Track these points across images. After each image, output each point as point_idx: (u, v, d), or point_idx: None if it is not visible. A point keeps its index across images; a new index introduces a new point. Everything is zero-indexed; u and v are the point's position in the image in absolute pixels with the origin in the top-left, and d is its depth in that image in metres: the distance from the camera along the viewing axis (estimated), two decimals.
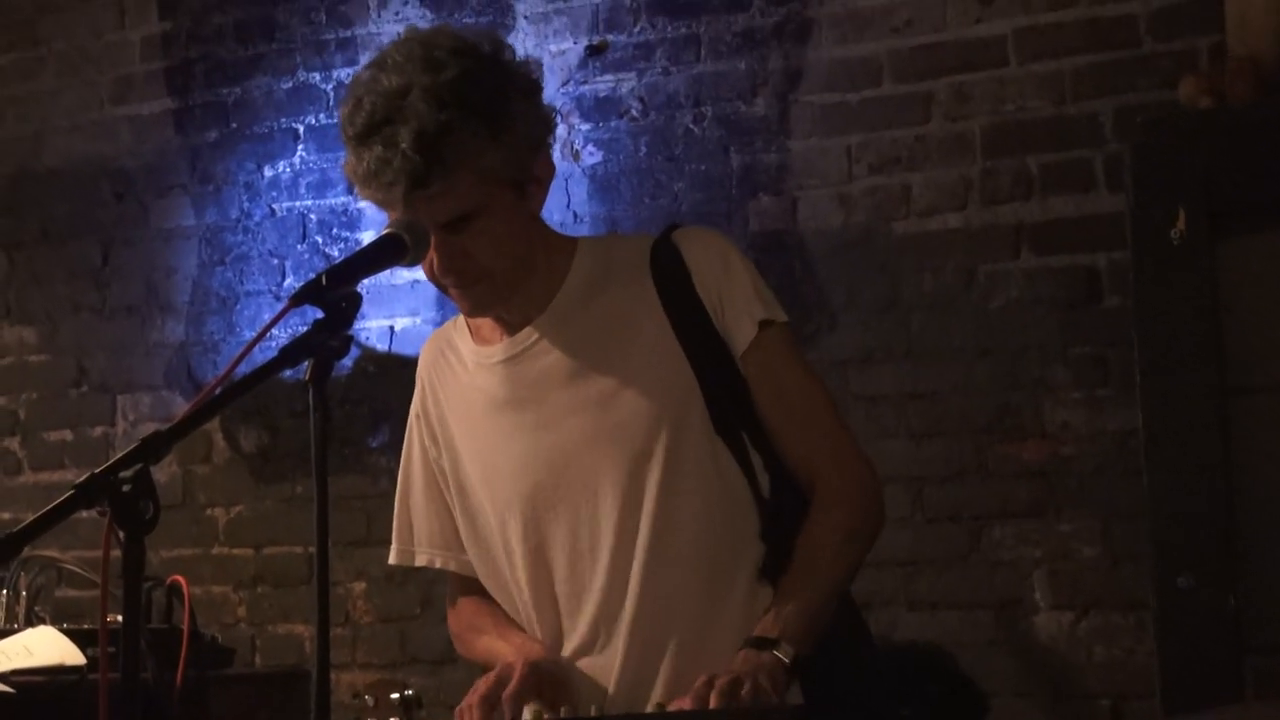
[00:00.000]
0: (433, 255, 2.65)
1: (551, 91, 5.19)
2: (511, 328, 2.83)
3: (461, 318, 2.95)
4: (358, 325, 2.57)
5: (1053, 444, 4.59)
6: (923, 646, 4.42)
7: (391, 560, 3.02)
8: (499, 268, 2.70)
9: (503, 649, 2.81)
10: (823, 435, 2.80)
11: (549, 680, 2.68)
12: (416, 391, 3.00)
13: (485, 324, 2.88)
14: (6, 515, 5.84)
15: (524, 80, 2.75)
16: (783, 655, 2.59)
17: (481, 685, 2.65)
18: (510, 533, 2.81)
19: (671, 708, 2.54)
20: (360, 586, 5.35)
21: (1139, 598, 4.27)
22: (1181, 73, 4.17)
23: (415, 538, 2.98)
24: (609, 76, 5.23)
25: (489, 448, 2.84)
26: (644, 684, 2.72)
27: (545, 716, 2.58)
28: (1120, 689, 4.45)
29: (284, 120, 5.67)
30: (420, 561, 2.99)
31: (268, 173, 5.67)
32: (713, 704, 2.45)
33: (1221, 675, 3.40)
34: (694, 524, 2.72)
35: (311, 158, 5.60)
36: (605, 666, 2.75)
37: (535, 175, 2.75)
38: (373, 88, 2.64)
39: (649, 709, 2.66)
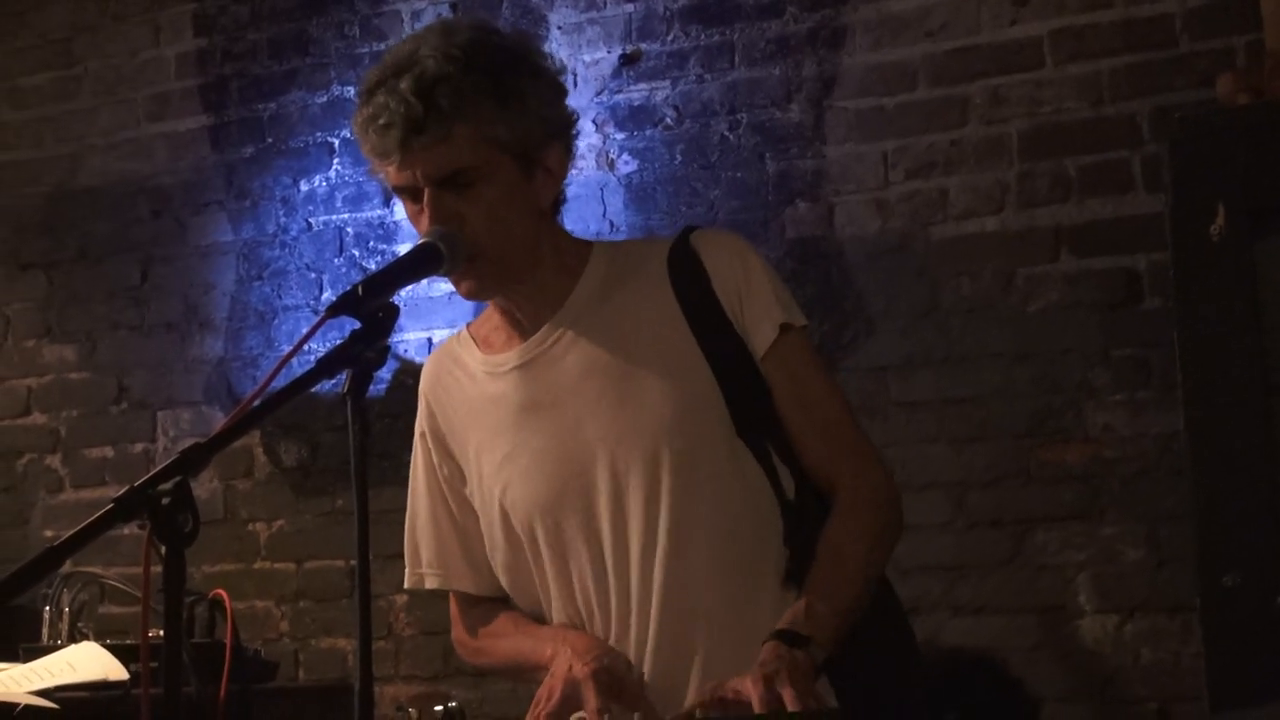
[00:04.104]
0: (425, 211, 2.64)
1: (586, 101, 5.19)
2: (525, 332, 2.81)
3: (465, 332, 2.94)
4: (396, 338, 2.57)
5: (1095, 447, 4.57)
6: (969, 651, 4.40)
7: (406, 584, 3.01)
8: (494, 242, 2.67)
9: (534, 647, 2.79)
10: (842, 439, 2.78)
11: (616, 681, 2.65)
12: (420, 411, 2.97)
13: (498, 332, 2.87)
14: (49, 532, 5.86)
15: (544, 70, 2.75)
16: (814, 656, 2.57)
17: (544, 699, 2.63)
18: (536, 539, 2.79)
19: (701, 693, 2.52)
20: (402, 599, 5.34)
21: (1184, 600, 4.25)
22: (1218, 71, 4.14)
23: (423, 559, 2.97)
24: (643, 85, 5.22)
25: (507, 456, 2.82)
26: (675, 686, 2.70)
27: None
28: (1167, 692, 4.42)
29: (319, 134, 5.68)
30: (430, 584, 2.97)
31: (304, 187, 5.68)
32: (757, 708, 2.43)
33: (1269, 674, 3.37)
34: (716, 525, 2.70)
35: (347, 171, 5.60)
36: (635, 670, 2.73)
37: (545, 164, 2.74)
38: (390, 53, 2.68)
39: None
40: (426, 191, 2.63)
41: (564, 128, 2.78)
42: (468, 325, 2.96)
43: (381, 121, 2.59)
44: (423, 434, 2.96)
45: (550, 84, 2.76)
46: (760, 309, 2.76)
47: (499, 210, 2.66)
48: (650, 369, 2.73)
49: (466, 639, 3.00)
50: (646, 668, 2.71)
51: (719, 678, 2.55)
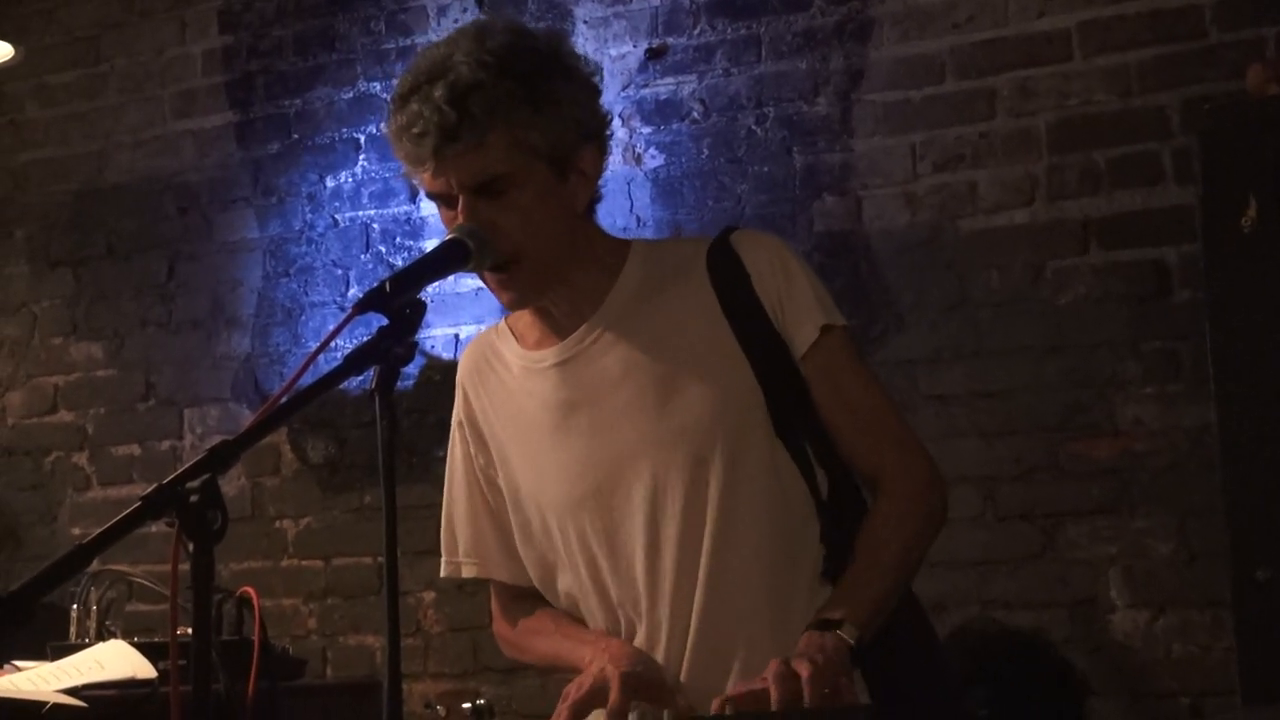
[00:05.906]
0: (459, 218, 2.63)
1: (612, 95, 5.18)
2: (563, 330, 2.80)
3: (504, 323, 2.92)
4: (423, 334, 2.56)
5: (1125, 440, 4.55)
6: (1025, 632, 4.38)
7: (443, 573, 3.00)
8: (531, 248, 2.64)
9: (573, 650, 2.78)
10: (886, 432, 2.77)
11: (644, 684, 2.65)
12: (458, 399, 2.95)
13: (534, 328, 2.85)
14: (76, 530, 5.88)
15: (577, 72, 2.73)
16: (847, 636, 2.55)
17: (573, 692, 2.62)
18: (570, 538, 2.78)
19: (735, 690, 2.51)
20: (430, 596, 5.35)
21: (1215, 594, 4.23)
22: (1248, 62, 4.13)
23: (460, 548, 2.96)
24: (669, 79, 5.21)
25: (543, 452, 2.80)
26: (712, 688, 2.68)
27: None
28: (1199, 686, 4.41)
29: (345, 130, 5.68)
30: (468, 572, 2.96)
31: (330, 183, 5.68)
32: (773, 696, 2.41)
33: None
34: (756, 526, 2.69)
35: (373, 167, 5.60)
36: (672, 672, 2.72)
37: (579, 166, 2.72)
38: (423, 57, 2.66)
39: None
40: (461, 198, 2.61)
41: (597, 129, 2.76)
42: (505, 318, 2.95)
43: (415, 130, 2.58)
44: (460, 423, 2.95)
45: (583, 85, 2.74)
46: (801, 310, 2.74)
47: (534, 215, 2.65)
48: (691, 369, 2.72)
49: (507, 633, 2.99)
50: (684, 668, 2.70)
51: (755, 674, 2.54)
